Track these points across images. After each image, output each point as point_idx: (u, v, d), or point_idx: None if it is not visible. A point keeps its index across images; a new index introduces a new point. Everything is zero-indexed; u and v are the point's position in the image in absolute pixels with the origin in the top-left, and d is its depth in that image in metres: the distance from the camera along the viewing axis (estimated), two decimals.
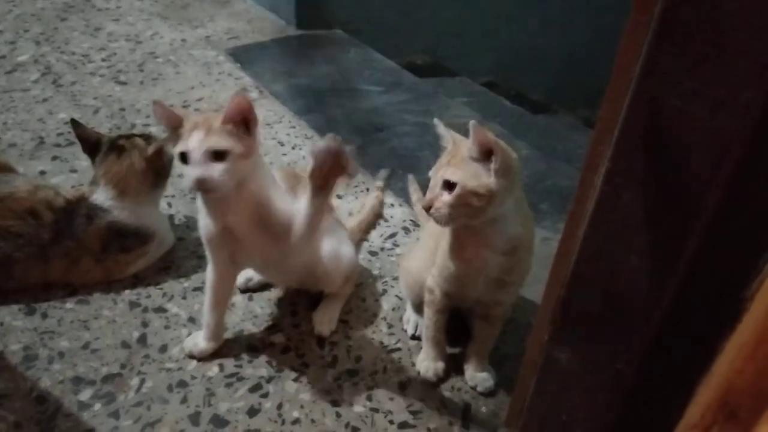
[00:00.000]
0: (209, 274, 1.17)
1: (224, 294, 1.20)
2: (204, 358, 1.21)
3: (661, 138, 0.53)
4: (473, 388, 1.19)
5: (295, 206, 1.05)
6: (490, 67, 3.27)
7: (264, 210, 1.06)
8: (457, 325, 1.31)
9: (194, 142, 0.99)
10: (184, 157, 1.00)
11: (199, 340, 1.21)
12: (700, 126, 0.50)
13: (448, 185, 0.97)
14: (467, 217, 0.99)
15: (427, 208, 0.99)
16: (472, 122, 0.94)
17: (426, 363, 1.21)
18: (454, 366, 1.23)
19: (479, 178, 0.96)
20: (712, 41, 0.48)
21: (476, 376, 1.20)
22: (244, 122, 1.02)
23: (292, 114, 2.09)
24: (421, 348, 1.23)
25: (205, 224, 1.09)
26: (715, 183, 0.51)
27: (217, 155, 0.98)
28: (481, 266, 1.06)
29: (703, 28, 0.48)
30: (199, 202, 1.09)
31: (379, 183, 1.68)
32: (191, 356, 1.21)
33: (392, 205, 1.69)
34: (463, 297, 1.15)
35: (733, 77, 0.47)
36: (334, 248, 1.25)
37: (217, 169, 0.98)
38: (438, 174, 1.00)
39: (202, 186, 0.98)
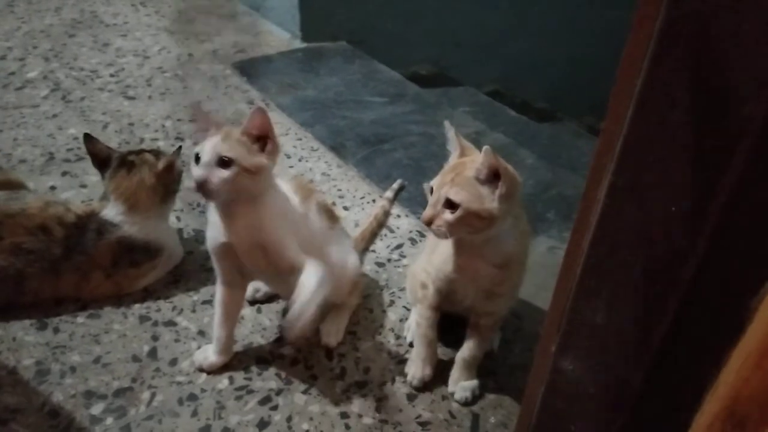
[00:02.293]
0: (218, 288, 1.18)
1: (234, 308, 1.21)
2: (213, 371, 1.22)
3: (663, 153, 0.54)
4: (451, 395, 1.20)
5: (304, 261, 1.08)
6: (494, 77, 3.28)
7: (268, 243, 1.08)
8: (463, 336, 1.31)
9: (207, 145, 1.02)
10: (197, 157, 1.03)
11: (210, 354, 1.22)
12: (700, 140, 0.51)
13: (451, 204, 0.98)
14: (466, 234, 1.01)
15: (428, 223, 1.00)
16: (485, 148, 0.95)
17: (413, 368, 1.21)
18: None
19: (482, 201, 0.97)
20: (712, 57, 0.49)
21: (458, 386, 1.20)
22: (261, 139, 1.05)
23: (298, 126, 2.11)
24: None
25: (210, 236, 1.11)
26: (718, 196, 0.52)
27: (224, 162, 1.01)
28: (473, 276, 1.08)
29: (702, 45, 0.49)
30: (209, 214, 1.11)
31: (389, 194, 1.69)
32: (201, 370, 1.22)
33: (398, 216, 1.70)
34: (454, 302, 1.16)
35: (731, 93, 0.48)
36: (338, 258, 1.26)
37: (218, 175, 1.00)
38: (441, 191, 0.99)
39: (201, 188, 1.00)
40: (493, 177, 0.97)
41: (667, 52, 0.51)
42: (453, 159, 1.06)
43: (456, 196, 0.97)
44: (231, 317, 1.21)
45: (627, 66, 0.58)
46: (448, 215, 0.98)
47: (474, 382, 1.20)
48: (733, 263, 0.57)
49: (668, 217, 0.56)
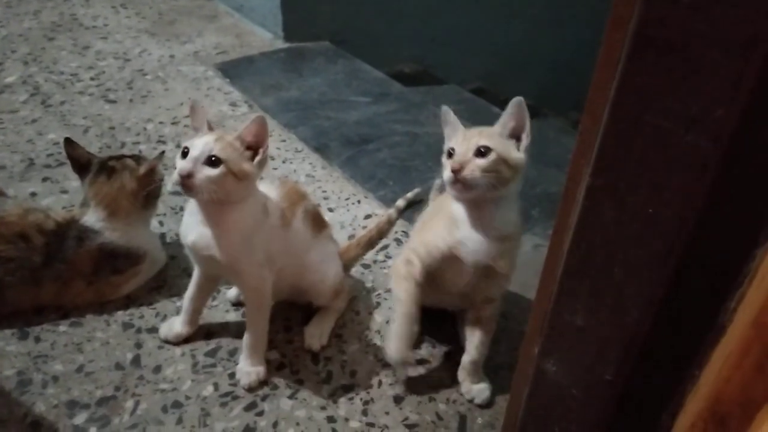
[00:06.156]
0: (196, 267, 1.21)
1: (206, 288, 1.26)
2: (177, 342, 1.27)
3: (639, 155, 0.54)
4: (470, 401, 1.19)
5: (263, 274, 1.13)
6: (478, 74, 3.28)
7: (223, 260, 1.08)
8: (451, 335, 1.31)
9: (199, 142, 1.02)
10: (185, 152, 1.02)
11: (176, 325, 1.27)
12: (675, 142, 0.51)
13: (481, 152, 1.02)
14: (491, 187, 1.02)
15: (457, 170, 1.02)
16: (516, 99, 1.03)
17: (392, 345, 1.10)
18: (448, 377, 1.23)
19: (510, 150, 1.04)
20: (685, 60, 0.49)
21: (473, 389, 1.19)
22: (253, 148, 1.06)
23: (281, 127, 2.10)
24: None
25: (181, 231, 1.13)
26: (693, 198, 0.52)
27: (213, 161, 1.00)
28: (473, 249, 1.07)
29: (676, 47, 0.49)
30: (186, 210, 1.12)
31: (401, 203, 1.68)
32: (167, 341, 1.27)
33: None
34: (442, 289, 1.15)
35: (705, 95, 0.48)
36: (317, 265, 1.26)
37: (204, 172, 1.00)
38: (471, 142, 1.04)
39: (184, 181, 0.99)
40: (515, 133, 1.05)
41: (641, 53, 0.51)
42: (461, 133, 1.09)
43: (488, 142, 1.03)
44: (202, 295, 1.26)
45: (603, 67, 0.57)
46: (480, 161, 1.02)
47: (486, 381, 1.21)
48: (712, 264, 0.57)
49: (646, 219, 0.55)
